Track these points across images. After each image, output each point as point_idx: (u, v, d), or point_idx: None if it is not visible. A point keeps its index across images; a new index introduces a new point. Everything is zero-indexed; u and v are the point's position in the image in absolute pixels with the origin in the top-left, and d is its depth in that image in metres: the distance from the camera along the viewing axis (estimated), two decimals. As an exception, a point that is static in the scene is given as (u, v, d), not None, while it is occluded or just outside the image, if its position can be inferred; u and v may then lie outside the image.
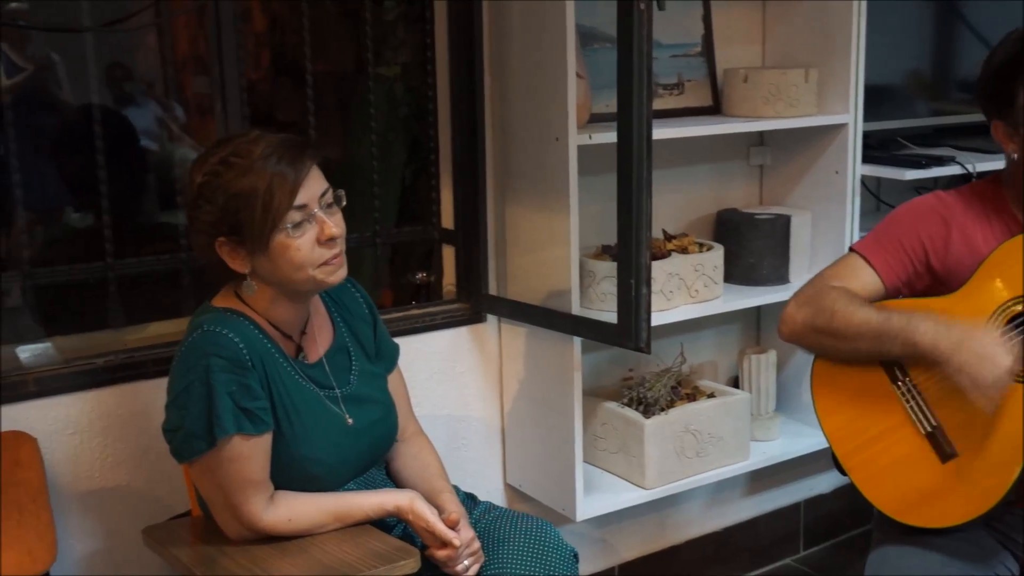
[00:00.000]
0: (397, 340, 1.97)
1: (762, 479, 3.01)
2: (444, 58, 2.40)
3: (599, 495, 2.43)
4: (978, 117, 1.90)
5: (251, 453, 1.63)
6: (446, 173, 2.46)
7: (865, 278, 1.89)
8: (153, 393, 1.99)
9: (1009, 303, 1.75)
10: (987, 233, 1.83)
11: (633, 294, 2.04)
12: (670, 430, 2.45)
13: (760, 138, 2.83)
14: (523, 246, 2.40)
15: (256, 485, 1.64)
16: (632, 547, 2.82)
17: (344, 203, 1.70)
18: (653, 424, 2.42)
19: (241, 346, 1.62)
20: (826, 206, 2.69)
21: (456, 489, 1.89)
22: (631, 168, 1.99)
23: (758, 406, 2.71)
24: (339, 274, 1.68)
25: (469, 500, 1.90)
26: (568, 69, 2.14)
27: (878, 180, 2.92)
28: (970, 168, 2.66)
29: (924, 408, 1.80)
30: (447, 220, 2.49)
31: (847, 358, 1.86)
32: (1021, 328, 1.72)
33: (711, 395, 2.62)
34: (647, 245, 2.03)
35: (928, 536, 1.80)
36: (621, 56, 1.96)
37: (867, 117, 2.71)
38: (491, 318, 2.48)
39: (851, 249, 1.95)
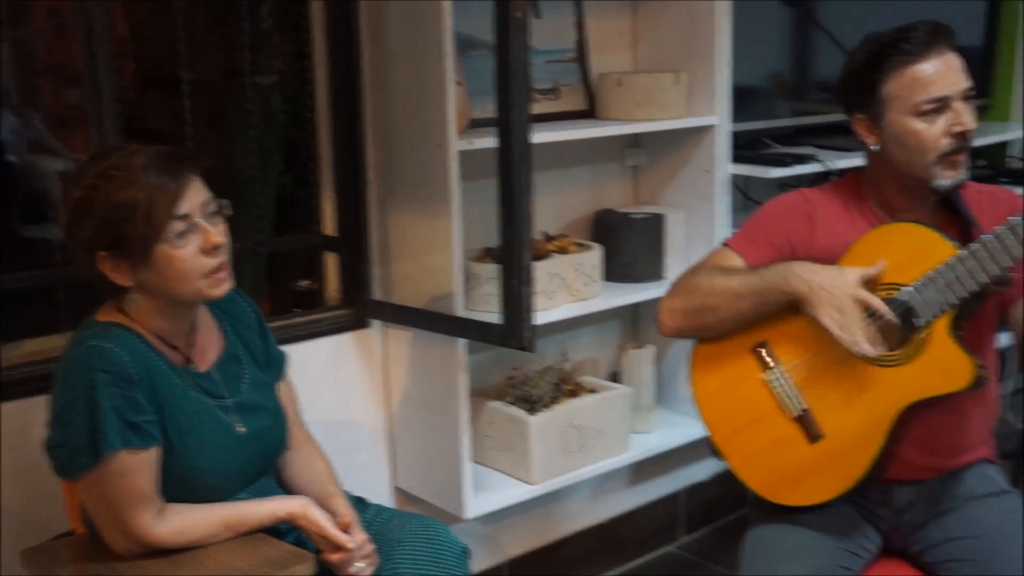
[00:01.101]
0: (282, 348, 1.98)
1: (643, 470, 3.10)
2: (322, 66, 2.41)
3: (487, 493, 2.48)
4: (836, 117, 2.01)
5: (138, 467, 1.62)
6: (327, 180, 2.47)
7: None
8: (29, 412, 1.94)
9: (879, 287, 1.85)
10: (849, 226, 1.94)
11: (516, 295, 2.10)
12: (554, 426, 2.51)
13: (635, 140, 2.92)
14: (407, 251, 2.42)
15: (144, 499, 1.63)
16: (520, 543, 2.88)
17: (228, 212, 1.70)
18: (538, 421, 2.48)
19: (126, 360, 1.60)
20: (698, 204, 2.80)
21: (346, 494, 1.90)
22: (511, 172, 2.04)
23: (638, 399, 2.80)
24: (225, 287, 1.68)
25: (359, 503, 1.92)
26: (446, 76, 2.18)
27: (746, 178, 3.05)
28: (830, 166, 2.80)
29: (793, 393, 1.90)
30: (329, 227, 2.50)
31: (728, 328, 1.93)
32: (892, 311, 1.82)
33: (593, 391, 2.69)
34: (528, 247, 2.08)
35: (798, 514, 1.90)
36: (500, 63, 2.01)
37: (735, 118, 2.84)
38: (376, 323, 2.50)
39: (723, 244, 2.04)
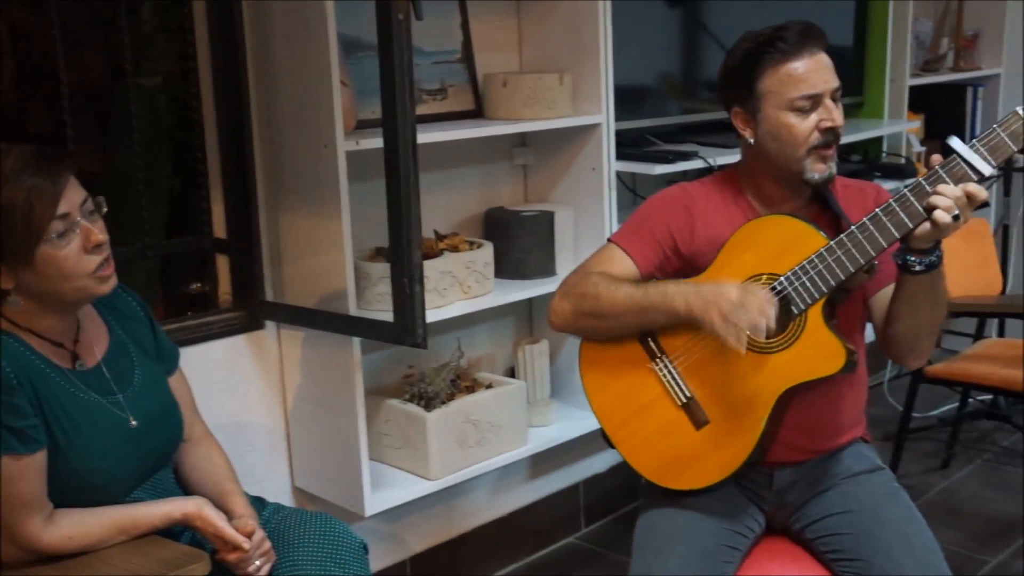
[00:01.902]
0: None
1: (542, 463, 3.16)
2: (206, 67, 2.40)
3: (387, 490, 2.50)
4: (719, 115, 2.08)
5: (23, 473, 1.60)
6: (216, 182, 2.46)
7: (622, 265, 2.03)
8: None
9: (748, 280, 1.93)
10: (727, 218, 2.02)
11: (407, 293, 2.12)
12: (451, 422, 2.55)
13: (523, 139, 2.97)
14: (299, 252, 2.43)
15: (31, 505, 1.61)
16: (422, 539, 2.91)
17: (105, 210, 1.69)
18: (434, 417, 2.51)
19: (5, 366, 1.58)
20: (586, 201, 2.86)
21: (245, 493, 1.90)
22: (398, 172, 2.06)
23: (534, 394, 2.85)
24: (111, 283, 1.68)
25: (257, 502, 1.93)
26: (332, 77, 2.19)
27: (633, 175, 3.13)
28: (711, 162, 2.90)
29: (679, 382, 1.97)
30: (220, 229, 2.49)
31: (614, 336, 2.00)
32: None
33: (489, 386, 2.74)
34: (418, 245, 2.11)
35: (687, 497, 1.97)
36: (383, 64, 2.04)
37: (621, 117, 2.91)
38: (270, 324, 2.50)
39: (609, 240, 2.10)
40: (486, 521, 3.06)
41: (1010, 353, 3.30)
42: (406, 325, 2.15)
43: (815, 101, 1.91)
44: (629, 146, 3.00)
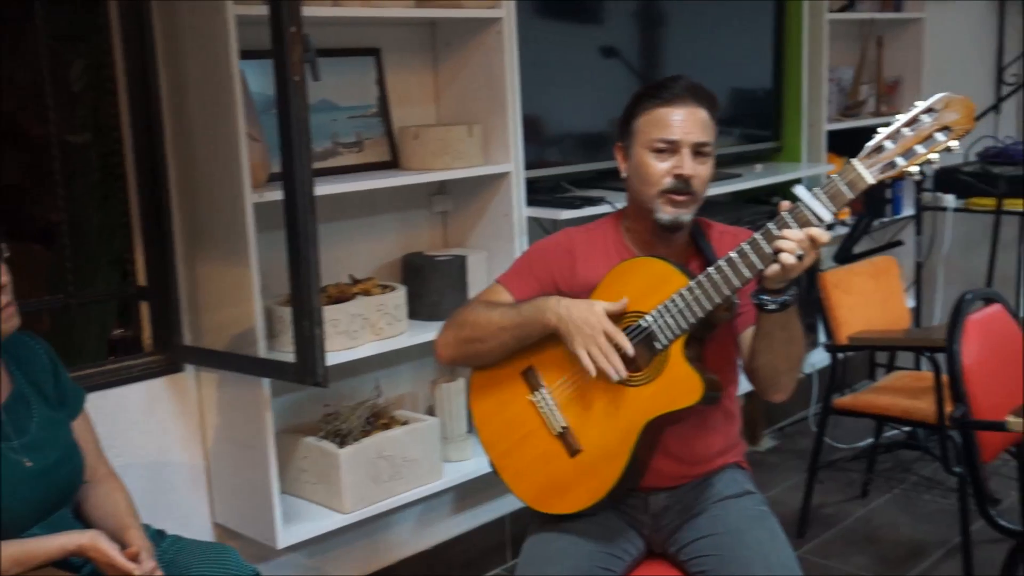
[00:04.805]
0: (96, 394, 2.10)
1: (467, 497, 3.28)
2: (128, 126, 2.55)
3: (301, 523, 2.63)
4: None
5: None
6: (138, 233, 2.61)
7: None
8: None
9: (624, 315, 2.07)
10: (604, 261, 2.16)
11: (308, 335, 2.26)
12: (364, 457, 2.68)
13: (442, 187, 3.13)
14: (215, 298, 2.57)
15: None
16: (346, 572, 3.02)
17: (7, 255, 1.82)
18: (347, 453, 2.64)
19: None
20: (499, 245, 3.02)
21: (147, 527, 2.03)
22: (296, 222, 2.21)
23: (451, 430, 2.98)
24: (12, 323, 1.80)
25: (157, 535, 2.05)
26: (239, 133, 2.35)
27: (554, 220, 3.28)
28: (617, 206, 3.05)
29: (555, 413, 2.11)
30: (142, 277, 2.63)
31: (496, 357, 2.14)
32: (635, 337, 2.05)
33: (405, 423, 2.87)
34: (316, 290, 2.25)
35: (566, 522, 2.10)
36: (281, 122, 2.19)
37: (538, 164, 3.07)
38: (189, 367, 2.63)
39: (496, 280, 2.25)
40: (411, 554, 3.17)
41: (916, 385, 3.46)
42: (307, 365, 2.28)
43: (674, 147, 2.06)
44: (542, 192, 3.16)
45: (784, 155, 4.14)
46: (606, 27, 3.50)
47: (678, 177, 2.05)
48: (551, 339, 2.08)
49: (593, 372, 1.98)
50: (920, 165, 1.90)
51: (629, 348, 1.99)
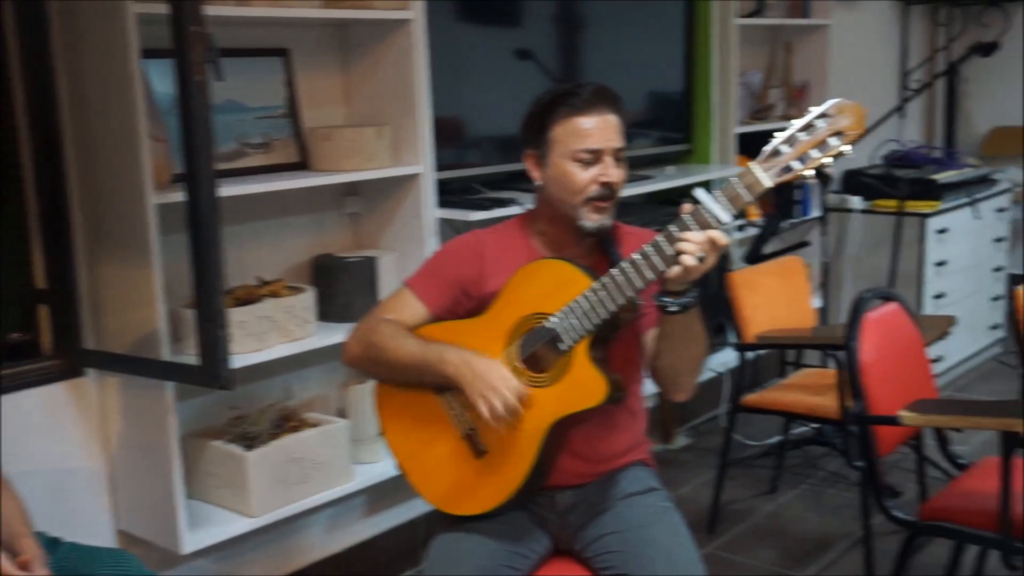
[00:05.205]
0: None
1: (381, 499, 3.27)
2: (24, 123, 2.49)
3: (208, 528, 2.59)
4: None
5: None
6: (37, 234, 2.55)
7: (414, 308, 2.19)
8: None
9: (530, 317, 2.09)
10: (514, 263, 2.17)
11: (212, 338, 2.24)
12: (272, 460, 2.65)
13: (352, 189, 3.12)
14: (117, 301, 2.52)
15: None
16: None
17: None
18: (254, 456, 2.61)
19: None
20: (410, 247, 3.02)
21: (41, 535, 1.99)
22: (200, 224, 2.19)
23: (362, 432, 2.97)
24: None
25: (51, 543, 2.01)
26: (140, 134, 2.31)
27: (466, 222, 3.29)
28: (527, 207, 3.06)
29: (462, 414, 2.12)
30: (42, 280, 2.57)
31: (399, 383, 2.16)
32: (541, 339, 2.06)
33: (315, 425, 2.85)
34: (221, 292, 2.23)
35: (474, 523, 2.11)
36: (183, 122, 2.16)
37: (449, 166, 3.08)
38: (91, 372, 2.58)
39: (404, 283, 2.25)
40: (322, 557, 3.15)
41: (820, 382, 3.54)
42: (211, 368, 2.26)
43: (596, 156, 2.08)
44: (454, 194, 3.17)
45: (695, 157, 4.21)
46: (522, 30, 3.53)
47: (604, 185, 2.08)
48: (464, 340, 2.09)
49: (495, 424, 2.00)
50: (815, 169, 1.94)
51: (519, 409, 2.01)
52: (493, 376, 2.01)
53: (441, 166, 3.06)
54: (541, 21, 3.57)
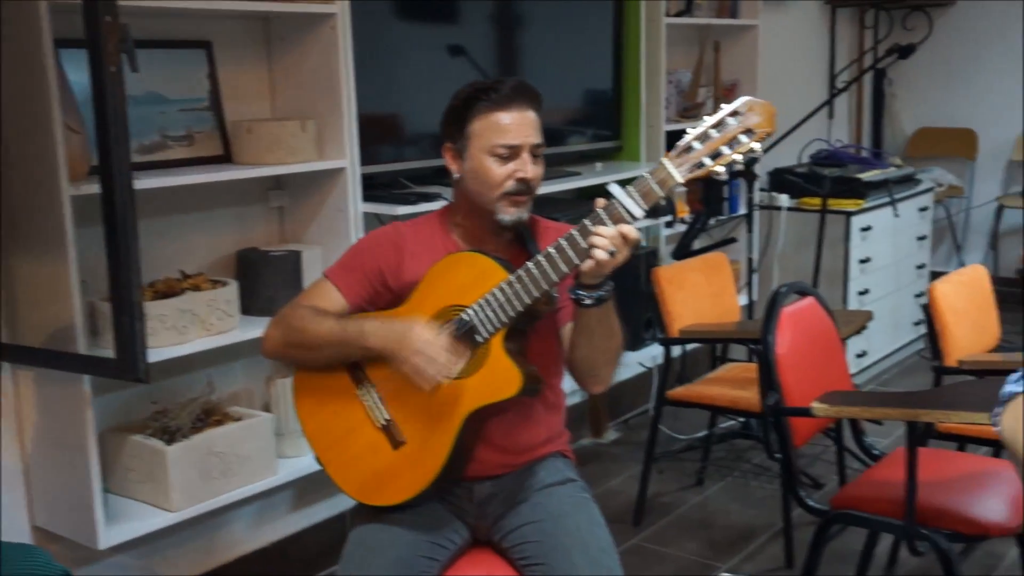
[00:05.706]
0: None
1: (306, 494, 3.26)
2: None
3: (126, 523, 2.57)
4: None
5: None
6: (-51, 227, 2.51)
7: (332, 299, 2.19)
8: None
9: (448, 309, 2.10)
10: (431, 256, 2.19)
11: (128, 331, 2.22)
12: (194, 454, 2.64)
13: (278, 182, 3.11)
14: (33, 294, 2.49)
15: None
16: (179, 571, 2.96)
17: None
18: (175, 450, 2.60)
19: None
20: (335, 241, 3.01)
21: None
22: (115, 216, 2.17)
23: (286, 426, 2.96)
24: None
25: (-39, 539, 1.99)
26: (54, 125, 2.28)
27: (392, 216, 3.30)
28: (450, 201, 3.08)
29: (380, 406, 2.13)
30: (-45, 273, 2.53)
31: (320, 366, 2.16)
32: (457, 330, 2.08)
33: (239, 419, 2.84)
34: (137, 285, 2.21)
35: (391, 513, 2.12)
36: (97, 114, 2.13)
37: (376, 160, 3.08)
38: (5, 365, 2.55)
39: (323, 274, 2.26)
40: (247, 552, 3.14)
41: (744, 376, 3.61)
42: (128, 361, 2.24)
43: (514, 152, 2.11)
44: (379, 188, 3.17)
45: (624, 154, 4.26)
46: (456, 27, 3.54)
47: (521, 180, 2.10)
48: None
49: (428, 388, 2.01)
50: (726, 166, 1.97)
51: (450, 368, 2.02)
52: (415, 339, 2.01)
53: (368, 160, 3.06)
54: (475, 19, 3.59)
